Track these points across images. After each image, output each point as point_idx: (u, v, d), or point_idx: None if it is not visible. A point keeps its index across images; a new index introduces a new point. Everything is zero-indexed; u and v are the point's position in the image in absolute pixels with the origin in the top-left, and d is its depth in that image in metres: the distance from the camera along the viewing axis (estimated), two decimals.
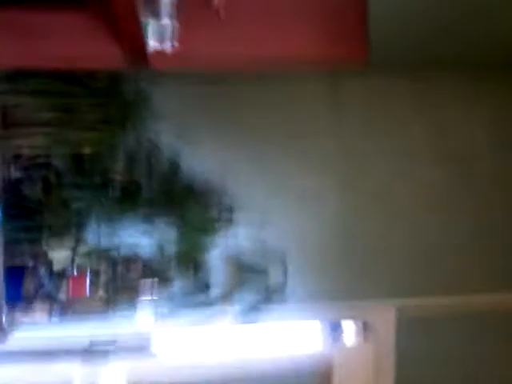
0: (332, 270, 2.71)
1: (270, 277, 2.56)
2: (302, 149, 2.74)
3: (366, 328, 2.81)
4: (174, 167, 2.54)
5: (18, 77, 2.17)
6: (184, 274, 2.50)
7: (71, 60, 1.81)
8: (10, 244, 2.22)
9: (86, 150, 2.31)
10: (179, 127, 2.53)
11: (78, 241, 2.40)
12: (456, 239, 2.81)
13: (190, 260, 2.50)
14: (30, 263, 2.32)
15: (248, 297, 2.52)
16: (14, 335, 2.31)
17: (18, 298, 2.27)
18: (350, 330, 2.87)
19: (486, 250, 2.83)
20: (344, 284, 2.73)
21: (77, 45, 1.80)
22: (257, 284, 2.54)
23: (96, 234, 2.42)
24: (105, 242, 2.44)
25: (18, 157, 2.29)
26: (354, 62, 2.08)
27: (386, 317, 2.75)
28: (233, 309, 2.53)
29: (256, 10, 1.91)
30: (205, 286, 2.49)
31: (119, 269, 2.47)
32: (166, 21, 1.74)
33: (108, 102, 2.33)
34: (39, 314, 2.35)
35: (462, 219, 2.82)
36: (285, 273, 2.59)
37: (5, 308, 2.21)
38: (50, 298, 2.39)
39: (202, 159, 2.60)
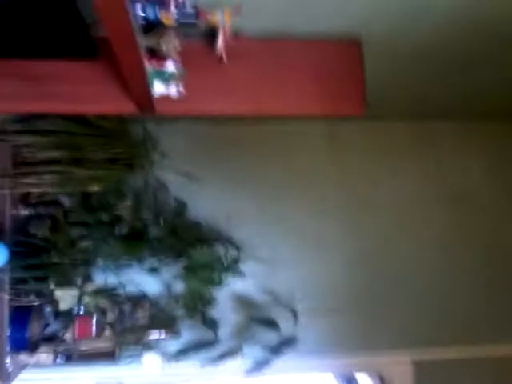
0: (343, 319, 2.62)
1: (280, 328, 2.47)
2: (304, 192, 2.72)
3: (382, 382, 2.68)
4: (181, 206, 2.49)
5: (28, 117, 2.14)
6: (191, 316, 2.42)
7: (81, 106, 1.78)
8: (16, 283, 2.18)
9: (94, 189, 2.26)
10: (186, 166, 2.51)
11: (85, 280, 2.35)
12: (464, 287, 2.72)
13: (197, 301, 2.42)
14: (36, 303, 2.27)
15: (258, 348, 2.43)
16: (19, 378, 2.25)
17: (24, 338, 2.22)
18: (364, 383, 2.75)
19: (494, 298, 2.73)
20: (356, 334, 2.63)
21: (86, 92, 1.78)
22: (267, 335, 2.45)
23: (103, 273, 2.38)
24: (112, 282, 2.39)
25: (26, 195, 2.26)
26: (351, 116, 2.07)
27: (401, 370, 2.63)
28: (243, 361, 2.45)
29: (260, 65, 1.91)
30: (213, 333, 2.41)
31: (126, 309, 2.42)
32: (171, 68, 1.70)
33: (116, 141, 2.29)
34: (44, 355, 2.29)
35: (469, 263, 2.75)
36: (295, 324, 2.50)
37: (9, 349, 2.17)
38: (56, 339, 2.34)
39: (208, 198, 2.58)
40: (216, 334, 2.37)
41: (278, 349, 2.42)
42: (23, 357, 2.25)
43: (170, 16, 1.48)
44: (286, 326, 2.48)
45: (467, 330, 2.68)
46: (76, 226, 2.26)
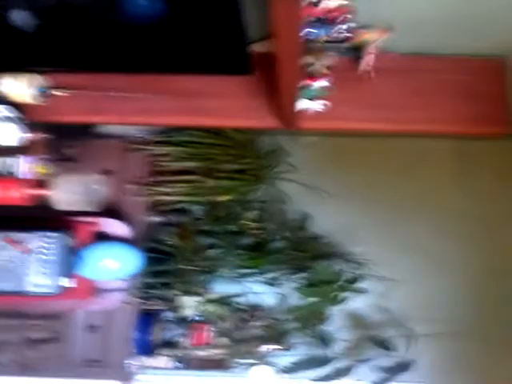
0: (464, 346, 2.45)
1: (394, 350, 2.35)
2: (426, 209, 2.59)
3: None
4: (304, 219, 2.48)
5: (168, 129, 2.23)
6: (305, 331, 2.39)
7: (226, 121, 1.83)
8: (143, 288, 2.26)
9: (222, 199, 2.30)
10: (310, 179, 2.48)
11: (207, 288, 2.39)
12: None
13: (313, 316, 2.39)
14: (160, 308, 2.34)
15: (371, 370, 2.35)
16: (139, 379, 2.33)
17: (146, 342, 2.29)
18: None
19: None
20: (477, 364, 2.44)
21: (232, 107, 1.83)
22: (380, 356, 2.37)
23: (224, 282, 2.40)
24: (232, 290, 2.41)
25: (158, 202, 2.34)
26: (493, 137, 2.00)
27: None
28: (354, 381, 2.36)
29: (405, 82, 1.89)
30: (327, 350, 2.35)
31: (243, 318, 2.44)
32: (321, 85, 1.71)
33: (245, 152, 2.33)
34: (162, 359, 2.36)
35: None
36: (411, 347, 2.37)
37: (133, 351, 2.24)
38: (174, 344, 2.40)
39: (329, 212, 2.53)
40: (329, 351, 2.32)
41: (391, 372, 2.33)
42: (144, 359, 2.33)
43: (329, 34, 1.50)
44: (400, 348, 2.36)
45: None
46: (203, 235, 2.32)
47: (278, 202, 2.46)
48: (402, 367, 2.33)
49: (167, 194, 2.27)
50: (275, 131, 2.38)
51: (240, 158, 2.31)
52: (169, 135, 2.27)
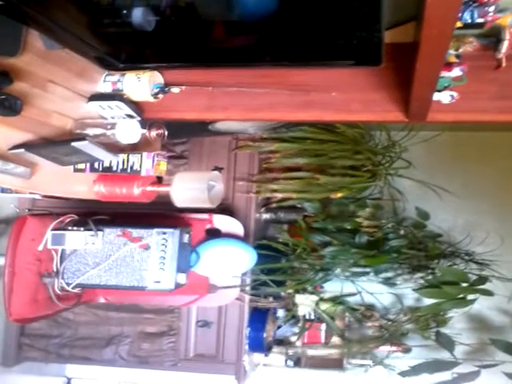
0: None
1: None
2: None
3: None
4: (423, 217, 2.36)
5: (278, 125, 2.19)
6: (423, 332, 2.28)
7: (346, 115, 1.74)
8: (255, 285, 2.24)
9: (335, 195, 2.24)
10: (425, 175, 2.37)
11: (321, 286, 2.34)
12: None
13: (435, 318, 2.27)
14: (273, 306, 2.31)
15: (499, 376, 2.19)
16: (253, 376, 2.32)
17: (260, 339, 2.28)
18: None
19: None
20: None
21: (353, 101, 1.72)
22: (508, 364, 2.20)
23: (338, 281, 2.32)
24: (345, 289, 2.33)
25: (267, 199, 2.32)
26: None
27: None
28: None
29: None
30: (449, 353, 2.22)
31: (356, 318, 2.37)
32: (456, 74, 1.58)
33: (359, 148, 2.24)
34: (275, 356, 2.34)
35: None
36: None
37: (247, 349, 2.24)
38: (287, 342, 2.38)
39: (446, 210, 2.44)
40: (452, 355, 2.19)
41: None
42: (257, 356, 2.32)
43: (482, 17, 1.38)
44: None
45: None
46: (316, 232, 2.26)
47: (394, 199, 2.35)
48: None
49: (277, 191, 2.23)
50: (390, 126, 2.29)
51: (353, 153, 2.23)
52: (279, 132, 2.23)
